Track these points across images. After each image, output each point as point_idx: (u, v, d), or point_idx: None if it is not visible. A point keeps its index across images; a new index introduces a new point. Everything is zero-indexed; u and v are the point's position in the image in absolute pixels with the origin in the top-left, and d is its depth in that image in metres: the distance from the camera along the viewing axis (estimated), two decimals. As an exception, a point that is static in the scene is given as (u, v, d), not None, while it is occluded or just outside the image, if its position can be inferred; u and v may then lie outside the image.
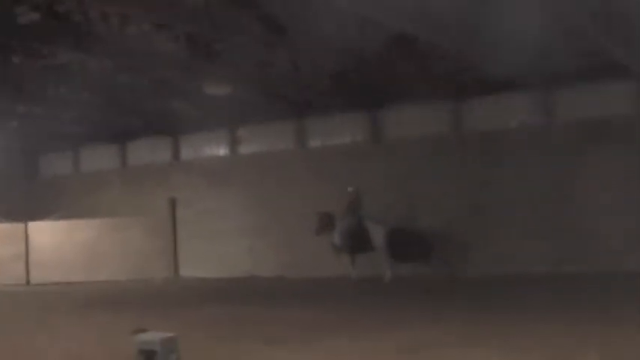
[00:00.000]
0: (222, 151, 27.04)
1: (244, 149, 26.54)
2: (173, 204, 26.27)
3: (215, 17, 14.73)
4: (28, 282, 25.71)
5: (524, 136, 21.58)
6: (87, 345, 12.07)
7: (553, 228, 20.79)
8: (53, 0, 15.04)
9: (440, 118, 22.81)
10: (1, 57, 17.50)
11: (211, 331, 13.12)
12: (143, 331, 10.94)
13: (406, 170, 22.97)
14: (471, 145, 22.30)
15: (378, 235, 21.55)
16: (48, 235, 26.28)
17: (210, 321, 14.68)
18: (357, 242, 21.55)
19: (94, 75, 19.35)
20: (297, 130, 25.26)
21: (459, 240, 22.12)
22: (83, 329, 14.08)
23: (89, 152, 30.26)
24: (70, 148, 30.37)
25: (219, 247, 25.67)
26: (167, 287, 23.26)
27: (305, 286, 21.44)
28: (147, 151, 28.56)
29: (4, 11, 14.63)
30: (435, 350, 10.27)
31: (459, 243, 22.09)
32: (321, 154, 24.71)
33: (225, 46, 17.06)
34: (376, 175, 23.31)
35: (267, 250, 24.77)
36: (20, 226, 26.27)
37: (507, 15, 13.81)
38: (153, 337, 10.39)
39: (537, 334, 11.01)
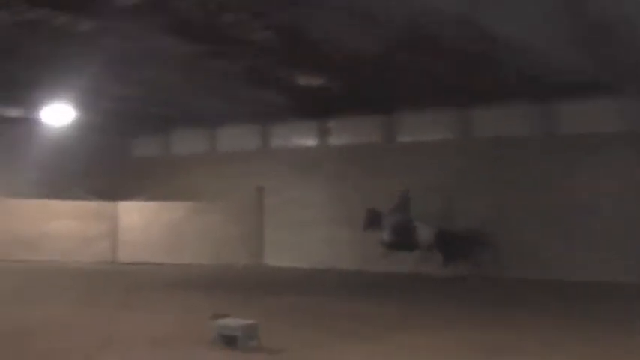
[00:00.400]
0: (310, 141, 27.07)
1: (333, 141, 26.53)
2: (260, 192, 26.47)
3: (311, 7, 14.73)
4: (114, 260, 26.19)
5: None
6: (169, 326, 12.27)
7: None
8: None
9: (527, 119, 22.54)
10: (97, 39, 17.81)
11: (290, 320, 13.20)
12: (224, 315, 11.06)
13: (493, 171, 22.79)
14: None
15: (425, 234, 21.90)
16: (136, 216, 26.76)
17: (290, 310, 14.77)
18: (405, 239, 21.95)
19: (189, 60, 19.54)
20: (387, 125, 25.16)
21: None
22: (166, 310, 14.31)
23: (180, 136, 30.59)
24: (162, 130, 30.75)
25: (301, 237, 25.74)
26: (249, 273, 23.43)
27: (381, 281, 21.39)
28: (236, 138, 28.73)
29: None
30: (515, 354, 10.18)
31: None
32: (409, 149, 24.56)
33: (319, 37, 17.04)
34: (463, 175, 23.14)
35: (349, 242, 24.74)
36: (110, 205, 26.77)
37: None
38: (234, 322, 10.51)
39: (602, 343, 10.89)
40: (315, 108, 25.04)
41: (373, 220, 22.49)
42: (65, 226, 26.15)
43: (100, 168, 29.55)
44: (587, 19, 13.98)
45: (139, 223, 26.59)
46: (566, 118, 21.97)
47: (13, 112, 26.54)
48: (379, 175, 24.58)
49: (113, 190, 28.25)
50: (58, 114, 25.85)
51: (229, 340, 10.24)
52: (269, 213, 26.32)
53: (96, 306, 14.74)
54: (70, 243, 25.90)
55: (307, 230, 25.70)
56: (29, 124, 26.94)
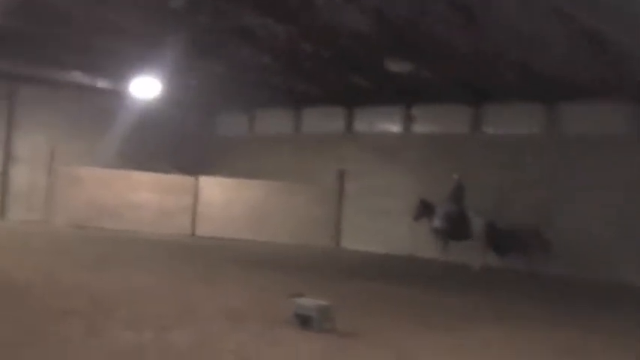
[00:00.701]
0: (395, 127, 26.94)
1: (418, 128, 26.35)
2: (342, 176, 26.51)
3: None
4: (193, 233, 26.51)
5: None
6: (244, 302, 12.39)
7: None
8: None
9: (618, 118, 22.04)
10: (189, 15, 18.01)
11: (365, 304, 13.23)
12: (300, 295, 11.13)
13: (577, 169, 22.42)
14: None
15: (477, 225, 21.92)
16: (217, 191, 27.00)
17: (366, 295, 14.79)
18: (457, 228, 22.00)
19: (278, 41, 19.64)
20: (473, 115, 24.89)
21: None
22: (242, 286, 14.44)
23: (265, 115, 30.73)
24: (247, 109, 30.97)
25: (381, 223, 25.64)
26: (327, 256, 23.50)
27: (455, 271, 21.26)
28: (321, 120, 28.74)
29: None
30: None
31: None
32: (495, 141, 24.29)
33: (410, 26, 16.96)
34: (547, 169, 22.81)
35: (427, 231, 24.58)
36: (191, 179, 27.08)
37: None
38: (310, 302, 10.56)
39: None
40: (402, 94, 24.93)
41: (424, 210, 22.77)
42: (147, 198, 26.53)
43: (185, 143, 29.96)
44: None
45: (220, 199, 26.82)
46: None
47: (102, 83, 27.04)
48: (463, 166, 24.32)
49: (196, 166, 28.59)
50: (145, 87, 26.28)
51: (305, 320, 10.30)
52: (349, 197, 26.32)
53: (174, 278, 14.95)
54: (151, 214, 26.28)
55: (387, 217, 25.60)
56: (117, 95, 27.44)
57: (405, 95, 25.06)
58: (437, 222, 22.30)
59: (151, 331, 9.41)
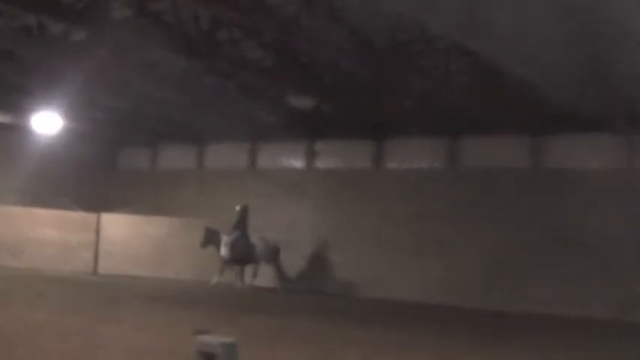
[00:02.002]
0: (298, 162, 27.07)
1: (320, 163, 26.55)
2: (245, 210, 26.42)
3: (305, 29, 14.78)
4: (95, 271, 26.07)
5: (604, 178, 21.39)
6: (149, 339, 12.18)
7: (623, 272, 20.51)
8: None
9: (519, 152, 22.57)
10: (90, 49, 17.83)
11: (270, 340, 13.15)
12: (204, 332, 10.99)
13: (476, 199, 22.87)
14: (546, 181, 22.11)
15: (262, 249, 24.12)
16: (120, 228, 26.65)
17: (271, 330, 14.69)
18: (242, 255, 23.96)
19: (181, 74, 19.59)
20: (375, 150, 25.19)
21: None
22: (147, 323, 14.21)
23: (168, 150, 30.58)
24: (150, 143, 30.74)
25: (285, 257, 25.64)
26: (230, 291, 23.34)
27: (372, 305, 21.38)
28: (224, 155, 28.73)
29: (98, 5, 14.90)
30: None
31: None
32: (397, 175, 24.63)
33: (312, 59, 17.12)
34: (446, 201, 23.24)
35: (339, 266, 24.82)
36: (94, 215, 26.68)
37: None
38: (213, 340, 10.44)
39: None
40: (305, 129, 25.09)
41: (210, 238, 24.33)
42: (49, 235, 26.03)
43: (87, 178, 29.50)
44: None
45: (122, 236, 26.49)
46: (554, 152, 22.08)
47: (2, 118, 26.48)
48: (366, 199, 24.63)
49: (98, 201, 28.16)
50: (47, 122, 25.82)
51: (208, 358, 10.17)
52: (253, 231, 26.26)
53: (77, 315, 14.63)
54: (51, 251, 25.77)
55: (290, 251, 25.61)
56: (17, 130, 26.91)
57: (308, 130, 25.22)
58: (223, 251, 23.89)
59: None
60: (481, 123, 21.54)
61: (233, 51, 16.97)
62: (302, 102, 20.78)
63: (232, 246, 23.90)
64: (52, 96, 22.84)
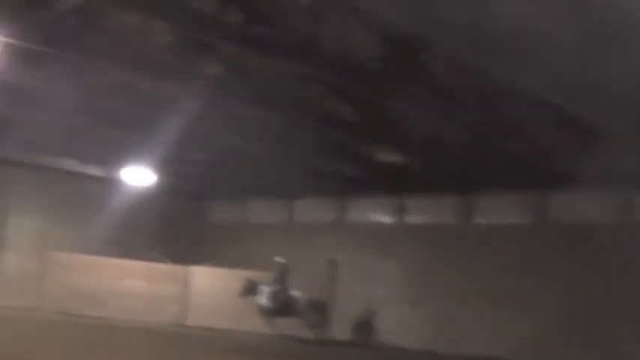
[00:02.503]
0: (386, 217, 26.95)
1: (408, 218, 26.38)
2: (334, 265, 26.39)
3: (391, 85, 14.77)
4: (182, 323, 26.22)
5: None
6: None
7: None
8: (239, 55, 15.49)
9: (608, 207, 22.12)
10: (182, 105, 18.12)
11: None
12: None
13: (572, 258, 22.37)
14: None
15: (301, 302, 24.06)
16: (207, 280, 26.80)
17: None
18: (282, 306, 23.87)
19: (271, 130, 19.75)
20: (463, 205, 24.96)
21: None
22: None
23: (257, 204, 30.81)
24: (239, 197, 31.02)
25: (377, 313, 25.45)
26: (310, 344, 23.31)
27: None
28: (313, 210, 28.80)
29: (190, 61, 15.16)
30: None
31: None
32: (485, 231, 24.32)
33: (399, 114, 17.08)
34: (534, 256, 22.84)
35: (425, 322, 24.48)
36: (182, 268, 26.94)
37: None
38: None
39: None
40: (392, 184, 25.00)
41: (247, 289, 24.21)
42: (137, 286, 26.35)
43: (176, 230, 29.88)
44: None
45: (210, 289, 26.60)
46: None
47: (94, 170, 27.14)
48: (454, 256, 24.36)
49: (186, 254, 28.47)
50: (138, 175, 26.34)
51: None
52: (340, 287, 26.13)
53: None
54: (139, 303, 26.06)
55: (378, 306, 25.41)
56: (109, 182, 27.52)
57: (396, 185, 25.13)
58: (264, 301, 23.89)
59: None
60: (569, 178, 21.14)
61: (321, 106, 17.05)
62: (390, 157, 20.73)
63: (274, 297, 23.89)
64: (143, 150, 23.32)
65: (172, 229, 29.95)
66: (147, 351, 17.69)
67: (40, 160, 26.15)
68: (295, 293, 24.08)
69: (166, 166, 25.79)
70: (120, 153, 24.39)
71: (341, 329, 25.80)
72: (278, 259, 24.32)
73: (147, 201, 28.73)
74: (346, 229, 27.59)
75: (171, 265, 27.10)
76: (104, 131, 21.53)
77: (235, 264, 26.95)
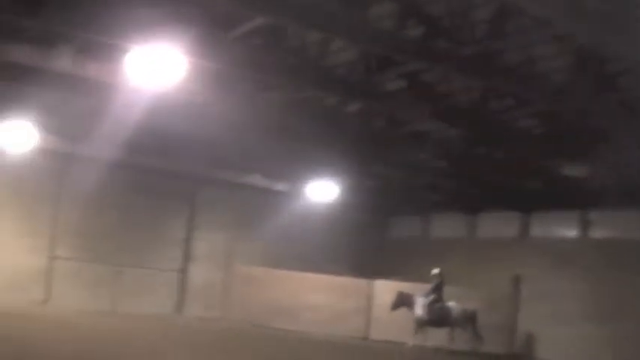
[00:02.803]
0: (571, 232, 26.30)
1: (593, 233, 25.66)
2: (517, 281, 26.00)
3: (577, 98, 14.53)
4: (366, 337, 26.47)
5: None
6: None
7: None
8: (420, 70, 15.64)
9: None
10: (365, 120, 18.43)
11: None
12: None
13: None
14: None
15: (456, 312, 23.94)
16: (391, 294, 26.89)
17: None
18: (438, 317, 23.94)
19: (452, 145, 19.76)
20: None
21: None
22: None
23: (439, 218, 30.76)
24: (421, 212, 31.07)
25: (558, 330, 24.88)
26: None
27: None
28: (495, 225, 28.45)
29: (372, 77, 15.41)
30: None
31: None
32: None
33: (584, 127, 16.76)
34: None
35: (608, 341, 23.68)
36: (366, 282, 27.19)
37: None
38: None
39: None
40: (577, 198, 24.41)
41: (400, 301, 24.33)
42: (322, 300, 26.80)
43: (359, 245, 30.21)
44: None
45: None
46: None
47: (279, 186, 27.90)
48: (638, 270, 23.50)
49: (370, 268, 28.75)
50: (322, 190, 26.85)
51: None
52: (525, 303, 25.70)
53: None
54: (324, 316, 26.48)
55: (564, 324, 24.81)
56: (294, 197, 28.23)
57: (581, 199, 24.52)
58: (419, 312, 24.03)
59: None
60: None
61: (503, 120, 16.95)
62: (575, 171, 20.29)
63: (429, 308, 23.99)
64: (327, 166, 23.81)
65: (355, 243, 30.32)
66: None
67: (229, 177, 27.11)
68: (450, 304, 24.12)
69: (349, 181, 26.21)
70: (303, 168, 24.97)
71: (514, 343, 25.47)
72: (435, 270, 24.43)
73: (330, 215, 29.24)
74: (529, 244, 27.09)
75: (356, 279, 27.41)
76: (288, 147, 22.11)
77: (418, 278, 26.99)
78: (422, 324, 24.11)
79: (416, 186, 26.34)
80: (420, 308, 24.06)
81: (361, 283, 27.24)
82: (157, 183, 26.72)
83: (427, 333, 24.17)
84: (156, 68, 14.15)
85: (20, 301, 23.62)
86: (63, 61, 15.05)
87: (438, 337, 24.22)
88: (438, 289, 24.24)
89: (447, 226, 30.31)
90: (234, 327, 24.85)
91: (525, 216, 27.42)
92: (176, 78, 14.49)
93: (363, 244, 30.58)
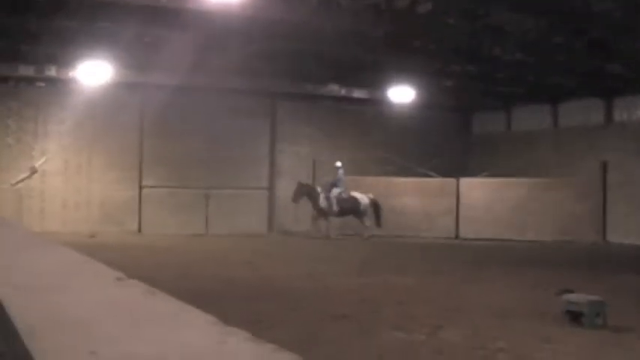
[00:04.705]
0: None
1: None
2: (603, 167, 25.70)
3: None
4: (457, 236, 26.61)
5: None
6: (512, 300, 12.36)
7: None
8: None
9: None
10: (437, 19, 18.18)
11: (637, 300, 12.75)
12: (570, 292, 10.97)
13: None
14: None
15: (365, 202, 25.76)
16: (478, 192, 26.95)
17: (637, 289, 14.21)
18: (349, 207, 25.74)
19: (529, 35, 19.40)
20: None
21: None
22: (509, 285, 14.39)
23: (520, 111, 30.42)
24: (502, 107, 30.76)
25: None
26: (594, 252, 22.83)
27: None
28: (578, 113, 28.01)
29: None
30: None
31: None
32: None
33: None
34: None
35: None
36: (452, 181, 27.22)
37: None
38: (581, 298, 10.37)
39: None
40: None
41: (301, 192, 25.87)
42: (410, 203, 26.95)
43: (442, 145, 30.13)
44: None
45: (481, 200, 26.76)
46: None
47: (358, 93, 27.88)
48: None
49: (455, 167, 28.73)
50: (401, 94, 26.75)
51: (575, 317, 10.14)
52: (612, 189, 25.44)
53: (441, 279, 15.13)
54: (414, 219, 26.64)
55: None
56: (375, 104, 28.23)
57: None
58: (324, 204, 25.62)
59: (421, 331, 9.61)
60: None
61: (580, 6, 16.52)
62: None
63: (337, 199, 25.42)
64: (403, 69, 23.65)
65: (440, 144, 30.22)
66: (425, 264, 18.21)
67: (307, 89, 27.20)
68: (357, 194, 25.59)
69: (428, 82, 26.05)
70: (381, 73, 24.86)
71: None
72: (337, 163, 25.80)
73: (412, 118, 29.18)
74: (614, 130, 26.62)
75: (442, 180, 27.45)
76: (366, 55, 22.02)
77: (504, 173, 26.88)
78: (329, 214, 25.64)
79: (495, 80, 26.01)
80: (324, 200, 25.51)
81: (448, 183, 27.28)
82: (237, 103, 27.00)
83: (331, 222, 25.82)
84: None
85: (116, 231, 24.31)
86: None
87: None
88: (340, 181, 25.75)
89: (530, 118, 29.98)
90: (323, 238, 25.19)
91: (609, 102, 26.90)
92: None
93: (447, 143, 30.49)
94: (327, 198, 25.52)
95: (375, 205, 25.81)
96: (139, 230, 25.84)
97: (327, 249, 22.10)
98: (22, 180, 24.46)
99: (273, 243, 24.07)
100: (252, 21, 17.58)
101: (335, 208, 25.50)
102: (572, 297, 10.52)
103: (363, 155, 28.97)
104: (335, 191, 25.61)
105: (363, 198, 25.65)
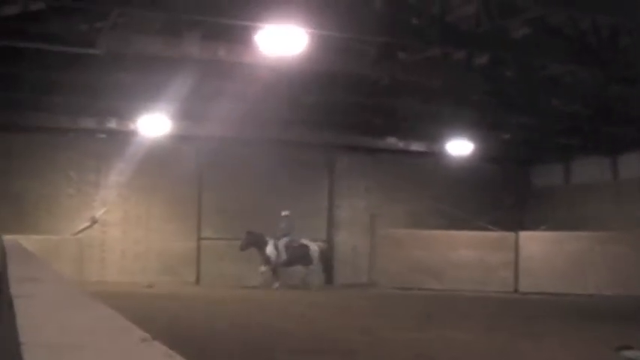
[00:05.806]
0: None
1: None
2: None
3: None
4: (516, 290, 26.25)
5: None
6: (570, 356, 12.13)
7: None
8: (546, 14, 15.32)
9: None
10: (494, 71, 18.20)
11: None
12: (629, 348, 10.79)
13: None
14: None
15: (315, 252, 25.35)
16: (537, 245, 26.60)
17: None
18: (298, 256, 25.21)
19: (585, 86, 19.32)
20: None
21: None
22: (568, 340, 14.13)
23: (579, 163, 30.10)
24: (561, 159, 30.49)
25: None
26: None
27: None
28: (638, 164, 27.63)
29: (499, 28, 15.16)
30: None
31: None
32: None
33: None
34: None
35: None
36: (511, 234, 26.94)
37: None
38: (639, 355, 10.19)
39: None
40: None
41: (250, 241, 25.00)
42: (468, 256, 26.68)
43: (500, 198, 29.92)
44: None
45: (540, 253, 26.39)
46: None
47: (416, 146, 27.93)
48: None
49: (513, 220, 28.48)
50: (458, 146, 26.69)
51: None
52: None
53: (498, 334, 14.91)
54: (472, 272, 26.35)
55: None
56: (431, 157, 28.21)
57: None
58: (272, 253, 24.96)
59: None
60: None
61: (635, 56, 16.41)
62: None
63: (286, 248, 24.95)
64: (460, 121, 23.67)
65: (497, 196, 30.02)
66: (482, 319, 18.00)
67: (365, 142, 27.33)
68: (307, 242, 25.34)
69: (486, 135, 26.00)
70: (439, 126, 24.91)
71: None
72: (284, 212, 25.31)
73: (470, 171, 29.03)
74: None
75: (501, 232, 27.19)
76: (422, 106, 22.11)
77: (563, 226, 26.56)
78: (278, 264, 25.09)
79: (553, 132, 25.86)
80: (273, 248, 24.90)
81: (507, 236, 26.99)
82: (295, 155, 27.15)
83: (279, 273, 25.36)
84: (282, 42, 14.32)
85: (174, 282, 24.48)
86: (191, 47, 15.40)
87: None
88: (289, 229, 25.25)
89: (588, 171, 29.60)
90: (382, 292, 25.05)
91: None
92: (302, 49, 14.63)
93: (504, 196, 30.26)
94: (276, 246, 25.14)
95: (324, 254, 25.83)
96: (197, 281, 26.00)
97: (385, 303, 21.98)
98: (83, 230, 24.90)
99: (329, 295, 23.99)
100: (311, 73, 17.80)
101: (283, 256, 25.13)
102: (630, 354, 10.34)
103: (420, 208, 28.91)
104: (284, 240, 25.23)
105: (313, 246, 25.49)
